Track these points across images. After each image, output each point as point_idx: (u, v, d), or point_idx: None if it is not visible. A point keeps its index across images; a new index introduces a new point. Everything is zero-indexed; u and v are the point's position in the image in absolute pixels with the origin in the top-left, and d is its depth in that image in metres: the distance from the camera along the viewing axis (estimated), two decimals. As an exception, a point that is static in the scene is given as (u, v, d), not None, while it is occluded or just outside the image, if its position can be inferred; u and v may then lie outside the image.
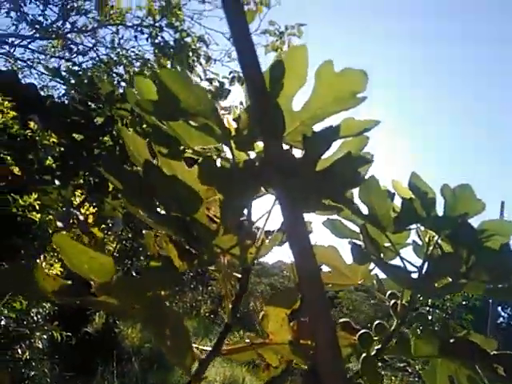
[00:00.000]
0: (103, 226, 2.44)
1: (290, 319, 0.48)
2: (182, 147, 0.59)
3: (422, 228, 0.69)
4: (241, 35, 0.50)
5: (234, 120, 0.58)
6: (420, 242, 0.70)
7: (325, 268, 0.75)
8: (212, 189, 0.56)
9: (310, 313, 0.43)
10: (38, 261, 2.18)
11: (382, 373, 0.64)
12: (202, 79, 3.91)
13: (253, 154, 0.61)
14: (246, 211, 0.59)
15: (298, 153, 0.62)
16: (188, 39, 4.05)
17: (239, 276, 0.53)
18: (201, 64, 4.02)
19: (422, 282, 0.58)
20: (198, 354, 0.47)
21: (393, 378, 5.71)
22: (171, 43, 4.02)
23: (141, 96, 0.50)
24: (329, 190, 0.54)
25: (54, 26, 4.68)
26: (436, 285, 0.62)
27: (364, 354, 0.64)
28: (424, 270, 0.62)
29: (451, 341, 0.61)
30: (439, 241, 0.66)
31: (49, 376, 2.74)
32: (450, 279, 0.60)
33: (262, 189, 0.58)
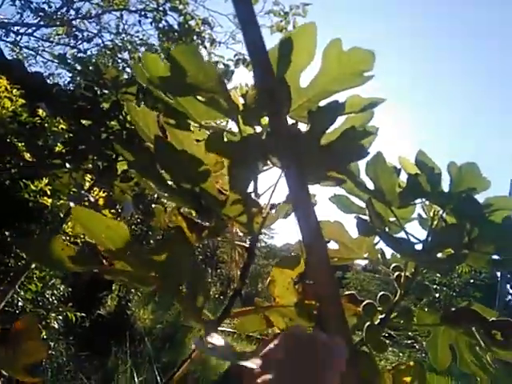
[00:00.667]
0: (113, 211, 2.48)
1: (295, 283, 0.51)
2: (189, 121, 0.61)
3: (427, 203, 0.71)
4: (246, 14, 0.51)
5: (241, 96, 0.60)
6: (425, 217, 0.71)
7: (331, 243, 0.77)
8: (220, 162, 0.58)
9: (314, 274, 0.45)
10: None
11: (387, 342, 0.67)
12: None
13: (258, 129, 0.63)
14: (252, 184, 0.61)
15: (303, 127, 0.64)
16: (192, 22, 4.02)
17: (247, 245, 0.56)
18: (205, 47, 4.01)
19: (425, 254, 0.60)
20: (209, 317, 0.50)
21: (400, 354, 5.78)
22: (175, 27, 4.01)
23: (149, 72, 0.52)
24: (333, 163, 0.56)
25: (59, 13, 4.67)
26: (439, 256, 0.64)
27: (368, 323, 0.66)
28: (428, 243, 0.64)
29: (452, 309, 0.64)
30: (444, 215, 0.68)
31: (65, 355, 2.83)
32: (453, 251, 0.62)
33: (268, 162, 0.61)
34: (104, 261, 0.47)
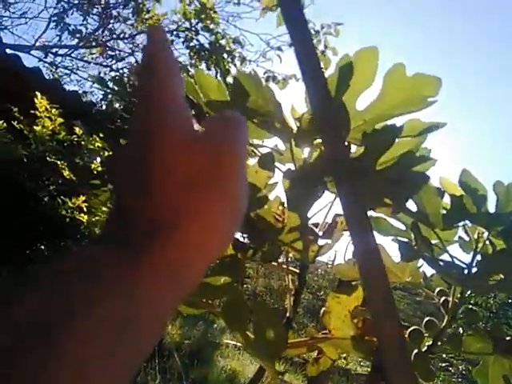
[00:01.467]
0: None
1: (353, 316, 0.49)
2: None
3: (470, 224, 0.68)
4: (301, 38, 0.51)
5: (295, 119, 0.60)
6: (467, 239, 0.69)
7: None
8: (270, 185, 0.57)
9: (374, 310, 0.43)
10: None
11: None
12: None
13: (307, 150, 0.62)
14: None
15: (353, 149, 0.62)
16: (223, 41, 4.09)
17: (298, 271, 0.55)
18: (235, 65, 4.06)
19: (475, 279, 0.57)
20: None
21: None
22: (206, 46, 4.08)
23: (203, 91, 0.52)
24: (394, 190, 0.54)
25: (95, 34, 4.86)
26: (490, 282, 0.61)
27: (416, 350, 0.63)
28: (474, 267, 0.61)
29: (506, 338, 0.60)
30: (490, 237, 0.65)
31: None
32: (503, 275, 0.59)
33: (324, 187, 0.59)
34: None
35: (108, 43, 4.88)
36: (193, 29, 4.12)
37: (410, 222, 0.67)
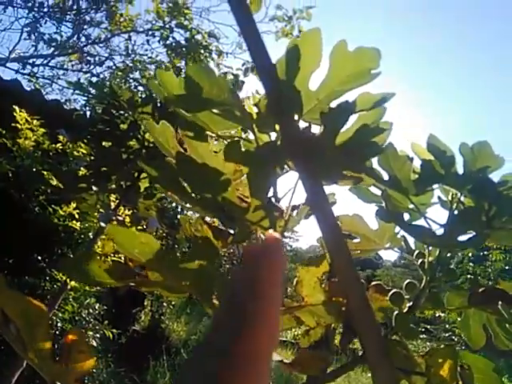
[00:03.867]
0: (139, 227, 2.55)
1: (322, 282, 0.52)
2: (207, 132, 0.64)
3: (445, 187, 0.71)
4: (247, 26, 0.54)
5: (254, 105, 0.63)
6: (445, 199, 0.72)
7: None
8: (239, 171, 0.60)
9: (339, 273, 0.47)
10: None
11: (419, 329, 0.67)
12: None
13: (274, 136, 0.65)
14: (272, 188, 0.63)
15: (316, 129, 0.66)
16: (198, 36, 4.10)
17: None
18: (213, 59, 4.07)
19: (444, 237, 0.61)
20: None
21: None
22: (183, 42, 4.09)
23: (165, 89, 0.55)
24: (348, 162, 0.57)
25: (70, 41, 4.84)
26: (461, 239, 0.64)
27: (396, 312, 0.67)
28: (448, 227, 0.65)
29: (480, 290, 0.64)
30: (462, 198, 0.68)
31: (105, 372, 2.90)
32: (474, 232, 0.62)
33: (285, 167, 0.63)
34: (139, 274, 0.49)
35: (84, 49, 4.86)
36: (167, 26, 4.11)
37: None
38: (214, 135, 0.66)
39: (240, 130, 0.77)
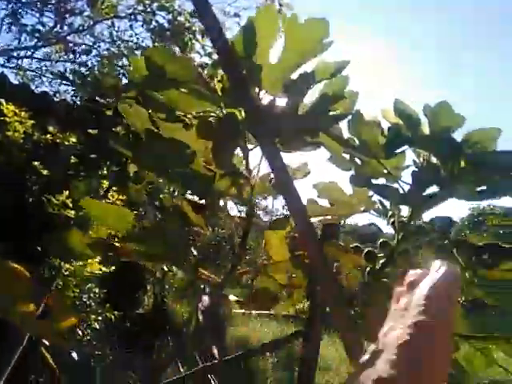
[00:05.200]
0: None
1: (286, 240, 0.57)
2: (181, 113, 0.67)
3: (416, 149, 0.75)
4: (201, 4, 0.56)
5: (218, 81, 0.66)
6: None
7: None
8: (209, 147, 0.64)
9: (299, 231, 0.51)
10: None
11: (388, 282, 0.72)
12: (201, 55, 3.95)
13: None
14: (244, 161, 0.67)
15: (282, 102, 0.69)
16: (181, 18, 4.06)
17: (244, 216, 0.62)
18: (197, 40, 4.04)
19: (408, 195, 0.65)
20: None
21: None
22: (166, 25, 4.06)
23: (135, 72, 0.58)
24: (308, 129, 0.61)
25: (53, 31, 4.78)
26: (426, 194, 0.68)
27: (368, 268, 0.72)
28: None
29: (445, 242, 0.69)
30: (432, 158, 0.71)
31: (111, 355, 2.99)
32: (436, 187, 0.66)
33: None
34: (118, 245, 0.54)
35: (68, 38, 4.81)
36: (148, 10, 4.07)
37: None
38: (190, 116, 0.69)
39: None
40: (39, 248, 2.41)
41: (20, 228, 2.17)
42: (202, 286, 0.58)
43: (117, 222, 0.50)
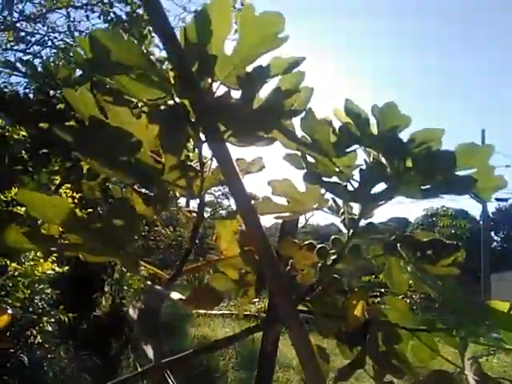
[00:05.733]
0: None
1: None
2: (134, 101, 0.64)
3: (366, 148, 0.76)
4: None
5: (170, 70, 0.64)
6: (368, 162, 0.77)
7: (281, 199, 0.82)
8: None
9: (246, 225, 0.50)
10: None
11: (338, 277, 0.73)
12: (160, 49, 3.87)
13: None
14: (198, 155, 0.66)
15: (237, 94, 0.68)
16: (140, 10, 3.96)
17: (195, 210, 0.61)
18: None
19: (355, 192, 0.66)
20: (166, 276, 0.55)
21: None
22: (124, 17, 3.94)
23: (82, 54, 0.55)
24: (261, 124, 0.60)
25: (1, 16, 4.53)
26: (373, 192, 0.69)
27: (320, 264, 0.72)
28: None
29: (391, 238, 0.71)
30: (381, 158, 0.73)
31: (66, 358, 2.87)
32: (383, 184, 0.67)
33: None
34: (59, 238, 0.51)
35: (18, 25, 4.57)
36: (106, 1, 3.94)
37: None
38: (141, 103, 0.67)
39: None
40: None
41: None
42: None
43: (56, 214, 0.47)
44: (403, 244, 0.68)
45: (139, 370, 0.65)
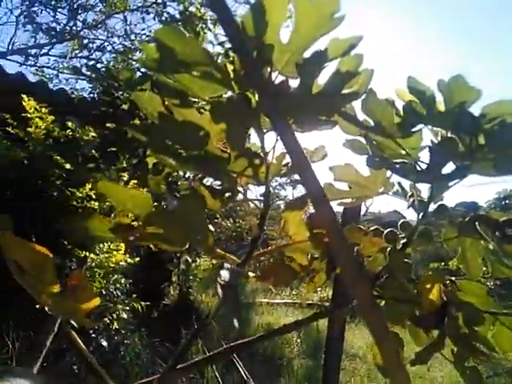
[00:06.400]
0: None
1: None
2: (194, 99, 0.67)
3: (432, 127, 0.73)
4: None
5: (229, 63, 0.65)
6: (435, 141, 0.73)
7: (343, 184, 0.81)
8: (224, 130, 0.64)
9: (315, 208, 0.50)
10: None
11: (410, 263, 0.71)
12: (214, 45, 3.94)
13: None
14: (260, 143, 0.67)
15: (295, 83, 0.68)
16: (192, 8, 4.04)
17: (261, 198, 0.62)
18: (210, 29, 4.02)
19: (424, 172, 0.63)
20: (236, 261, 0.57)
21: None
22: (177, 16, 4.04)
23: (147, 58, 0.58)
24: (322, 108, 0.60)
25: (67, 27, 4.84)
26: (443, 172, 0.67)
27: (389, 248, 0.71)
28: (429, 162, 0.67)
29: (467, 219, 0.67)
30: (449, 135, 0.70)
31: (140, 344, 3.07)
32: (454, 163, 0.64)
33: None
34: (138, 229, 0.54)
35: (82, 34, 4.86)
36: (159, 1, 4.06)
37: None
38: (203, 102, 0.69)
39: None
40: (65, 242, 2.48)
41: (44, 222, 2.24)
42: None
43: (135, 204, 0.50)
44: (481, 223, 0.65)
45: (207, 354, 0.68)
